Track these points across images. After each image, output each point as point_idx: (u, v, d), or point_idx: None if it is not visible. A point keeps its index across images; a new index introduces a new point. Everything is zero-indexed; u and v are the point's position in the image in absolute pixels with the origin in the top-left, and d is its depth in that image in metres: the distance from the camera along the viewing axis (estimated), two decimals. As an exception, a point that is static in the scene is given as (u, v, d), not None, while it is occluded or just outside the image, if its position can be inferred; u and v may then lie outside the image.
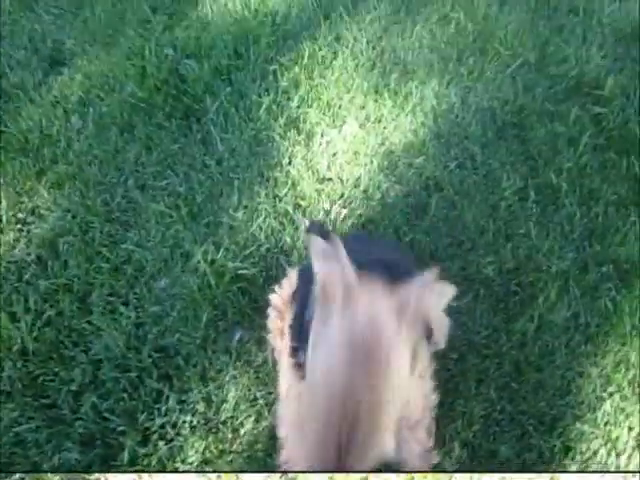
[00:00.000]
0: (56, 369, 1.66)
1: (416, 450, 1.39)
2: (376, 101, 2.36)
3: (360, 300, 0.91)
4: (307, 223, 1.94)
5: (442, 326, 1.50)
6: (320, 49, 2.53)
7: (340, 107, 2.34)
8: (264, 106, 2.32)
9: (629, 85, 2.38)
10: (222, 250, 1.89)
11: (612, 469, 1.53)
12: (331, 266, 0.93)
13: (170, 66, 2.43)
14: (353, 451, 0.86)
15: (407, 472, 1.38)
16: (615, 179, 2.11)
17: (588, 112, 2.31)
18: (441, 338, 1.50)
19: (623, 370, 1.69)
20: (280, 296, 1.53)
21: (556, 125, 2.26)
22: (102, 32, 2.70)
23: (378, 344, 0.87)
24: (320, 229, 1.88)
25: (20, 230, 2.00)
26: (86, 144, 2.23)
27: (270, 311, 1.54)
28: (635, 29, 2.65)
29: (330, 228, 1.97)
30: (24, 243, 1.96)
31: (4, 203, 2.05)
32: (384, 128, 2.27)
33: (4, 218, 2.01)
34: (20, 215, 2.04)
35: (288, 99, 2.37)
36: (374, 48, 2.55)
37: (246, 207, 2.04)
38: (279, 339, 1.49)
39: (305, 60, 2.48)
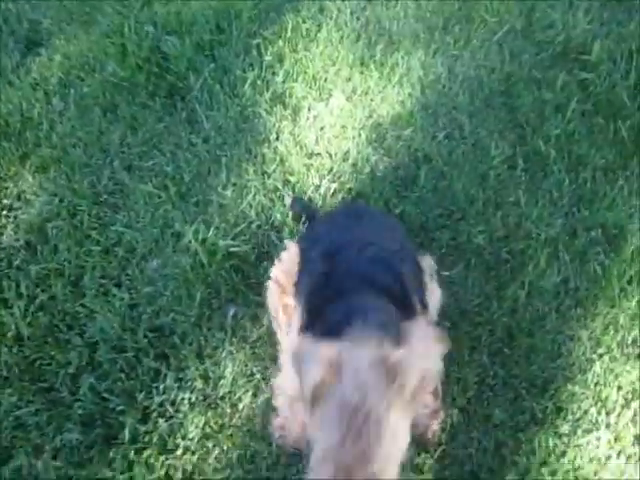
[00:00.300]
0: (52, 353, 1.67)
1: (424, 412, 1.45)
2: (362, 73, 2.33)
3: (345, 375, 0.93)
4: (290, 200, 1.92)
5: (435, 300, 1.53)
6: (304, 22, 2.48)
7: (326, 80, 2.31)
8: (249, 81, 2.28)
9: (616, 49, 2.37)
10: (213, 229, 1.88)
11: (602, 427, 1.57)
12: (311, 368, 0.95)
13: (151, 43, 2.37)
14: None
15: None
16: (603, 144, 2.12)
17: (575, 78, 2.30)
18: (434, 312, 1.54)
19: (612, 332, 1.72)
20: (281, 269, 1.52)
21: (543, 92, 2.26)
22: (79, 10, 2.63)
23: (369, 414, 0.89)
24: (303, 205, 1.89)
25: (7, 216, 1.98)
26: (69, 126, 2.19)
27: (271, 284, 1.54)
28: (621, -8, 2.62)
29: (320, 203, 1.97)
30: (12, 229, 1.94)
31: (-11, 189, 2.02)
32: (371, 100, 2.25)
33: (-10, 204, 1.99)
34: (6, 201, 2.01)
35: (273, 74, 2.33)
36: (358, 19, 2.51)
37: (235, 185, 2.02)
38: (281, 312, 1.50)
39: (289, 33, 2.43)
